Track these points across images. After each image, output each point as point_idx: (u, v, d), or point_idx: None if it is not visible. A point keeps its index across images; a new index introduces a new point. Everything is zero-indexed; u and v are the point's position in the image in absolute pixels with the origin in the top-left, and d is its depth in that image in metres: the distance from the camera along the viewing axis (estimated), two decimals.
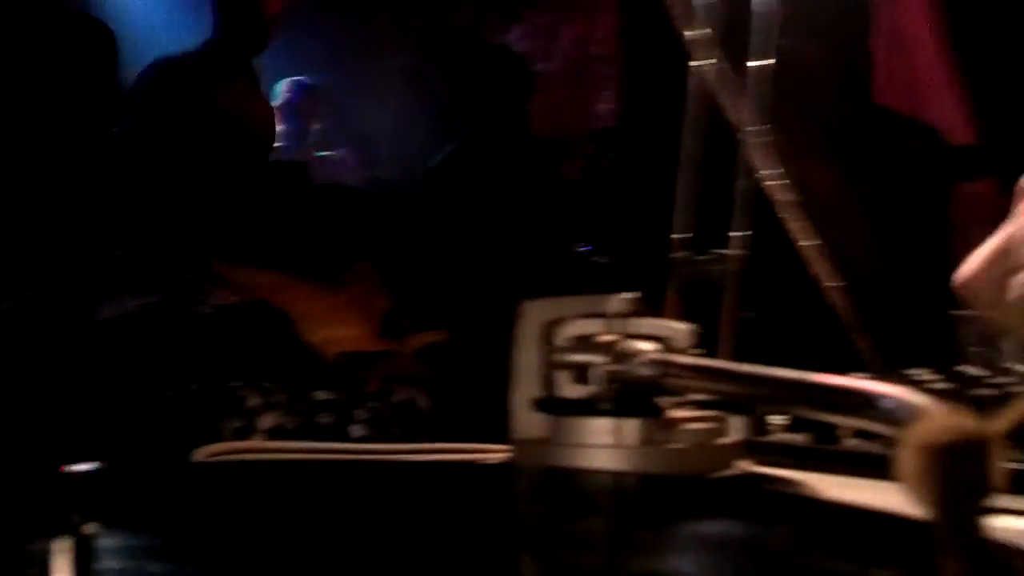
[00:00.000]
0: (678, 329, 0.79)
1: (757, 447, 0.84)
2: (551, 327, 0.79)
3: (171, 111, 2.53)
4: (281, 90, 4.12)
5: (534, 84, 3.23)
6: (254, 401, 1.96)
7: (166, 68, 2.66)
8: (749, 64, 1.58)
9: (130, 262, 2.15)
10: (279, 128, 3.86)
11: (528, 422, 0.78)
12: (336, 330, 2.06)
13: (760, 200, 1.53)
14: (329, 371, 2.05)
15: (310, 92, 4.19)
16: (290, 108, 4.10)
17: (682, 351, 0.78)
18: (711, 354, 0.85)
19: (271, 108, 3.12)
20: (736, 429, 0.77)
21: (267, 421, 1.93)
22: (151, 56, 2.79)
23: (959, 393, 0.86)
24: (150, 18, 3.99)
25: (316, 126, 4.18)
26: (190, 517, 0.65)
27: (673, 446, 0.74)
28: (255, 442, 1.50)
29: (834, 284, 1.59)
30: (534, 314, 0.80)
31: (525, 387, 0.79)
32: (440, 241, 2.51)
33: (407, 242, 2.43)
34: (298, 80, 4.17)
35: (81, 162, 2.35)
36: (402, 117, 4.77)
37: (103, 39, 2.43)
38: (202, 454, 0.88)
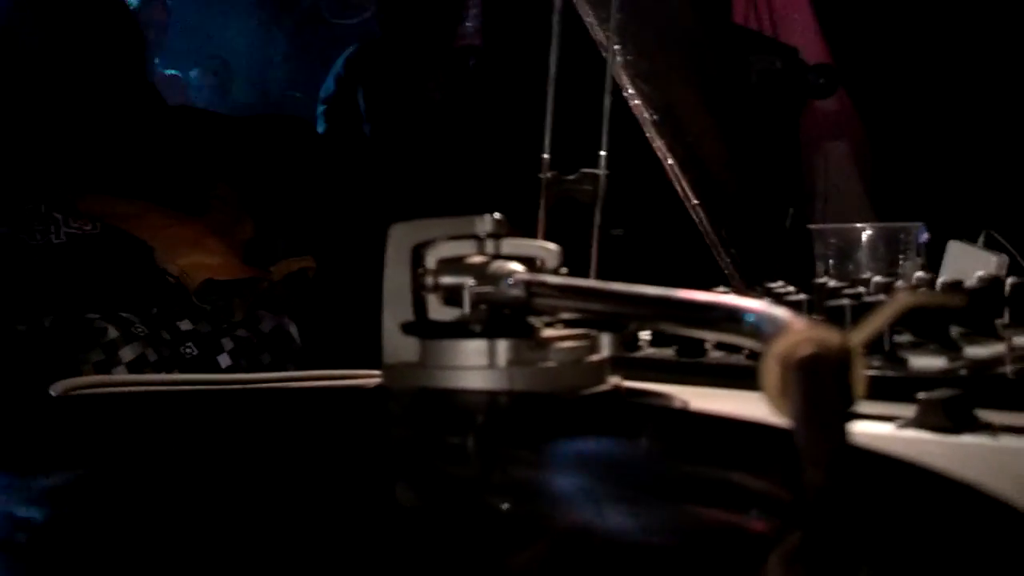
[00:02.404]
0: (547, 249, 0.80)
1: (626, 363, 0.86)
2: (420, 249, 0.79)
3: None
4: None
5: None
6: (114, 333, 1.90)
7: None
8: None
9: None
10: None
11: (399, 346, 0.78)
12: (198, 257, 2.01)
13: (624, 119, 1.54)
14: (193, 300, 2.00)
15: (160, 3, 4.03)
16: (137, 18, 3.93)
17: (551, 271, 0.79)
18: (580, 273, 0.85)
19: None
20: (606, 346, 0.78)
21: (128, 353, 1.88)
22: None
23: (818, 305, 0.89)
24: None
25: (162, 39, 4.03)
26: (51, 454, 0.63)
27: (544, 364, 0.75)
28: (117, 376, 1.46)
29: (695, 201, 1.62)
30: (402, 236, 0.79)
31: (395, 310, 0.78)
32: (309, 165, 2.46)
33: (270, 166, 2.37)
34: None
35: None
36: (254, 38, 4.62)
37: None
38: (59, 388, 0.85)
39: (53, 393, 0.82)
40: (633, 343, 0.97)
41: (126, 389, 0.88)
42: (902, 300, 0.46)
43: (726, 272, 1.58)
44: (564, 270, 0.79)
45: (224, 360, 1.98)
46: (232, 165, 2.32)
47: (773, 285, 1.05)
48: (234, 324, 2.00)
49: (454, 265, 0.78)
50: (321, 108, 3.26)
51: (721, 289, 1.13)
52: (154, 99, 2.26)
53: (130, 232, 1.98)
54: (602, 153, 1.43)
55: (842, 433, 0.38)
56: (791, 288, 1.01)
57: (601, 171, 1.38)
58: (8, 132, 2.21)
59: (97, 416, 0.75)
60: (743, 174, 2.07)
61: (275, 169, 2.36)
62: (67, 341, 1.87)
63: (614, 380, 0.79)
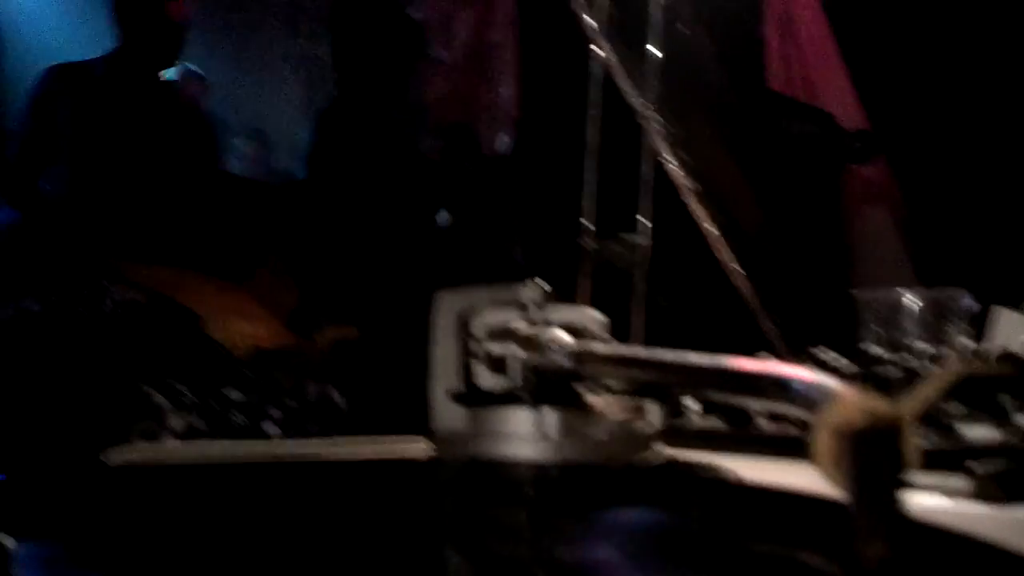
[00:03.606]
0: (591, 317, 0.81)
1: (673, 432, 0.86)
2: (466, 317, 0.80)
3: (71, 117, 2.47)
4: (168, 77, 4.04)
5: (422, 48, 3.09)
6: (163, 402, 1.92)
7: (66, 75, 2.58)
8: (646, 50, 1.59)
9: (25, 262, 2.09)
10: None
11: (448, 414, 0.79)
12: (244, 326, 2.03)
13: (664, 186, 1.55)
14: (240, 369, 2.02)
15: (198, 79, 4.10)
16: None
17: (596, 339, 0.79)
18: (622, 340, 0.86)
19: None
20: (653, 415, 0.78)
21: (178, 422, 1.89)
22: (38, 59, 2.72)
23: (866, 373, 0.89)
24: (38, 22, 3.87)
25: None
26: (106, 523, 0.64)
27: (593, 435, 0.76)
28: (170, 445, 1.47)
29: (735, 267, 1.62)
30: (449, 304, 0.80)
31: (443, 379, 0.79)
32: (341, 230, 2.48)
33: (311, 234, 2.41)
34: (185, 66, 4.09)
35: None
36: (299, 107, 4.70)
37: None
38: (113, 458, 0.86)
39: (108, 462, 0.83)
40: (681, 411, 0.97)
41: (180, 459, 0.89)
42: (953, 370, 0.46)
43: (769, 338, 1.57)
44: (609, 338, 0.80)
45: (271, 429, 1.99)
46: (276, 233, 2.35)
47: (818, 352, 1.05)
48: (281, 393, 2.02)
49: (501, 334, 0.79)
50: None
51: (765, 356, 1.13)
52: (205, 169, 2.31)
53: (178, 301, 2.01)
54: (642, 220, 1.44)
55: (897, 505, 0.38)
56: (836, 355, 1.01)
57: (641, 238, 1.39)
58: (61, 204, 2.27)
59: (151, 486, 0.76)
60: (784, 239, 2.07)
61: (318, 237, 2.39)
62: (116, 410, 1.89)
63: (663, 450, 0.79)
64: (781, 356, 1.20)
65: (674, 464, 0.79)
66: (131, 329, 1.97)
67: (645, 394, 0.79)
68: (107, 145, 2.37)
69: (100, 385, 1.91)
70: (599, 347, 0.77)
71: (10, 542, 0.44)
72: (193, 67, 4.07)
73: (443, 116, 3.55)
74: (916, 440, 0.42)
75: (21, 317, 1.93)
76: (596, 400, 0.77)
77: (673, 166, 1.61)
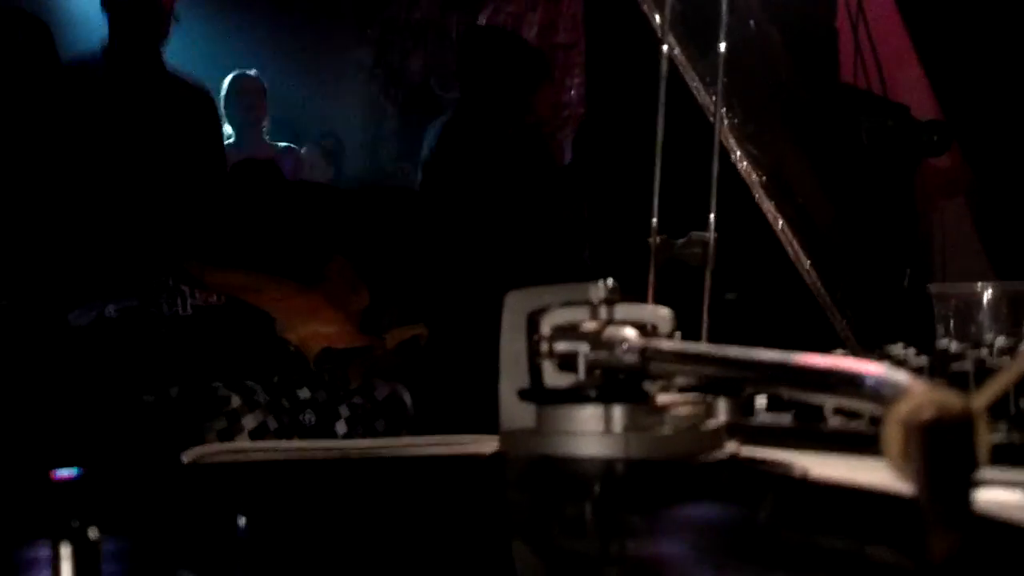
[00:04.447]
0: (659, 314, 0.80)
1: (742, 429, 0.85)
2: (535, 316, 0.80)
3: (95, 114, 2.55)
4: (227, 83, 4.12)
5: (546, 72, 3.20)
6: (237, 402, 1.96)
7: (78, 71, 2.68)
8: (716, 47, 1.58)
9: (104, 266, 2.14)
10: (227, 120, 3.88)
11: (515, 412, 0.79)
12: (315, 327, 2.07)
13: (734, 181, 1.54)
14: (310, 369, 2.05)
15: (255, 84, 4.17)
16: (236, 101, 4.10)
17: (664, 336, 0.79)
18: (692, 338, 0.86)
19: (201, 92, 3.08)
20: (722, 412, 0.78)
21: (250, 421, 1.93)
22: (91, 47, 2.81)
23: (939, 368, 0.88)
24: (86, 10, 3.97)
25: (264, 119, 4.17)
26: (183, 520, 0.66)
27: (660, 431, 0.75)
28: (245, 443, 1.51)
29: (807, 263, 1.61)
30: (518, 304, 0.81)
31: (511, 377, 0.80)
32: (419, 234, 2.51)
33: (383, 236, 2.44)
34: (243, 72, 4.16)
35: (46, 166, 2.34)
36: (366, 112, 4.76)
37: (39, 32, 2.42)
38: (190, 456, 0.88)
39: (184, 460, 0.85)
40: (749, 408, 0.96)
41: (253, 457, 0.91)
42: None
43: (841, 335, 1.55)
44: (677, 335, 0.80)
45: (341, 427, 2.02)
46: (346, 237, 2.39)
47: (891, 348, 1.03)
48: (350, 392, 2.05)
49: (569, 332, 0.79)
50: (420, 176, 3.32)
51: (838, 352, 1.12)
52: (272, 174, 2.35)
53: (252, 303, 2.05)
54: (711, 216, 1.43)
55: (967, 499, 0.38)
56: (910, 351, 0.99)
57: (710, 235, 1.38)
58: (139, 209, 2.32)
59: (226, 483, 0.77)
60: (856, 234, 2.04)
61: (387, 239, 2.42)
62: (192, 410, 1.93)
63: (731, 447, 0.79)
64: (853, 352, 1.18)
65: (742, 460, 0.78)
66: (208, 331, 2.01)
67: (714, 391, 0.79)
68: (117, 142, 2.43)
69: (177, 386, 1.96)
70: (667, 344, 0.77)
71: (95, 533, 0.45)
72: (248, 72, 4.14)
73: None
74: (988, 434, 0.41)
75: (101, 321, 1.99)
76: (664, 397, 0.77)
77: (743, 162, 1.60)
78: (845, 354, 1.10)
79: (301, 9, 4.69)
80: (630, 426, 0.75)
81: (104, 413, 1.86)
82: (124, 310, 2.00)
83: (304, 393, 2.02)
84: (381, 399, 2.10)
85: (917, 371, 0.88)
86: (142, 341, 2.00)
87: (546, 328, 0.80)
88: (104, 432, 1.80)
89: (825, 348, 1.18)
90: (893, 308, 1.85)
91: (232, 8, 4.49)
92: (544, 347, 0.80)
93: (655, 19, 1.61)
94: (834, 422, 0.90)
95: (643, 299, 1.07)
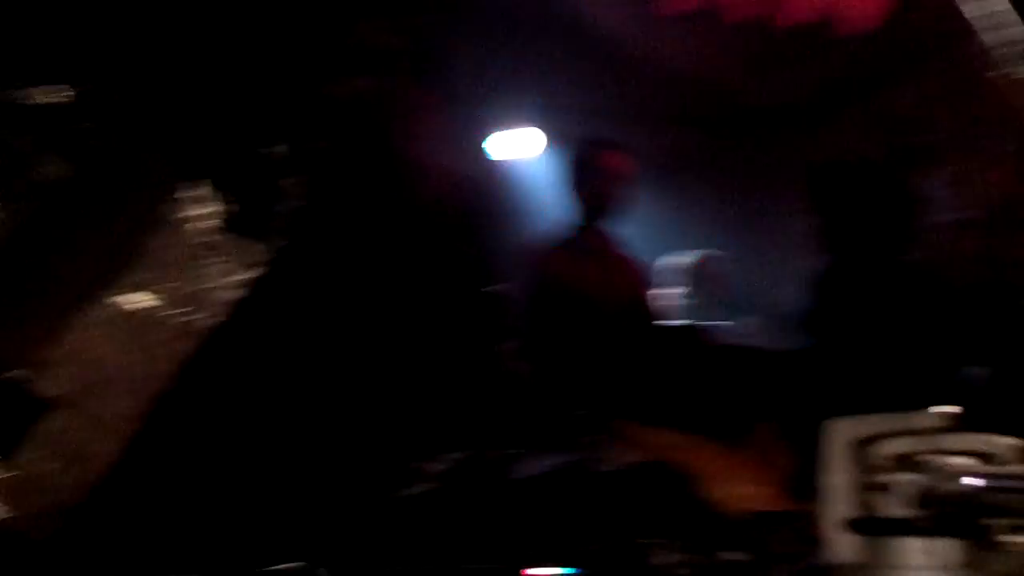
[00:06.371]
0: (1004, 443, 0.75)
1: None
2: (862, 445, 0.78)
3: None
4: (692, 260, 4.28)
5: (912, 207, 3.00)
6: (663, 560, 1.98)
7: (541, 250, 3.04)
8: None
9: (546, 422, 2.31)
10: (687, 297, 4.04)
11: (842, 543, 0.76)
12: (739, 488, 2.05)
13: None
14: (734, 530, 2.03)
15: (719, 263, 4.30)
16: (699, 277, 4.23)
17: (1008, 465, 0.73)
18: None
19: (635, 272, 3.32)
20: None
21: None
22: None
23: None
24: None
25: (724, 296, 4.26)
26: None
27: (998, 569, 0.69)
28: None
29: None
30: (842, 433, 0.79)
31: (836, 507, 0.77)
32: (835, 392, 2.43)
33: (810, 401, 2.38)
34: (709, 252, 4.31)
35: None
36: (801, 279, 4.71)
37: None
38: None
39: None
40: None
41: None
42: None
43: None
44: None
45: None
46: (773, 398, 2.36)
47: None
48: (775, 557, 1.99)
49: (901, 462, 0.76)
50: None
51: None
52: (695, 339, 2.41)
53: (673, 462, 2.09)
54: None
55: None
56: None
57: None
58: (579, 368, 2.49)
59: None
60: None
61: (810, 400, 2.36)
62: (619, 568, 1.99)
63: None
64: None
65: None
66: (630, 489, 2.07)
67: None
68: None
69: (600, 543, 2.02)
70: (1013, 474, 0.71)
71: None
72: (715, 252, 4.30)
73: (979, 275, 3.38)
74: None
75: (540, 475, 2.13)
76: (1006, 533, 0.71)
77: None
78: None
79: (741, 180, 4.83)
80: (966, 563, 0.70)
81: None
82: (560, 465, 2.12)
83: (727, 555, 2.00)
84: (809, 568, 2.02)
85: None
86: (572, 496, 2.11)
87: (876, 457, 0.77)
88: None
89: None
90: None
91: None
92: (873, 478, 0.77)
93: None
94: None
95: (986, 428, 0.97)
